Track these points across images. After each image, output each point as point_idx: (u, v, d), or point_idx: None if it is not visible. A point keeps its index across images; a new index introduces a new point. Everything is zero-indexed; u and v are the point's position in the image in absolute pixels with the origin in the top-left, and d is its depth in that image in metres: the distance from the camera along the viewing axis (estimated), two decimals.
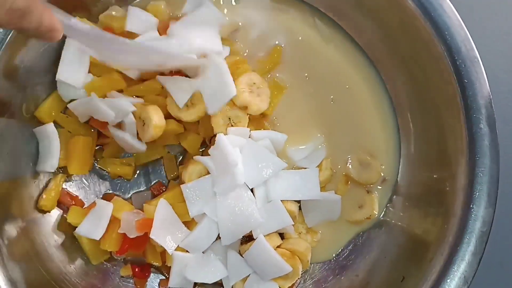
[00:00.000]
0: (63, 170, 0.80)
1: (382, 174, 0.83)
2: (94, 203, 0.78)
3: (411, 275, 0.72)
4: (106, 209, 0.76)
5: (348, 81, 0.83)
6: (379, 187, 0.83)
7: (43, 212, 0.79)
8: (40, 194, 0.79)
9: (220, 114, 0.76)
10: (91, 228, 0.75)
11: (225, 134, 0.75)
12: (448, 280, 0.66)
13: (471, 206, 0.66)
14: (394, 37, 0.76)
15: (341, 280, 0.83)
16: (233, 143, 0.74)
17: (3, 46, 0.68)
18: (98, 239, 0.75)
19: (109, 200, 0.77)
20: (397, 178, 0.83)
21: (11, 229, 0.71)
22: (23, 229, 0.74)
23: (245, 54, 0.83)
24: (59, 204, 0.80)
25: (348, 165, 0.83)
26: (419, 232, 0.76)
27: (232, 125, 0.76)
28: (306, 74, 0.84)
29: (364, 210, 0.82)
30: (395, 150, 0.83)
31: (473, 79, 0.66)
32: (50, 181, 0.80)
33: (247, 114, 0.78)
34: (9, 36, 0.68)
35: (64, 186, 0.81)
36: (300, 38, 0.84)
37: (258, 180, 0.75)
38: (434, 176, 0.75)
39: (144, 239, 0.75)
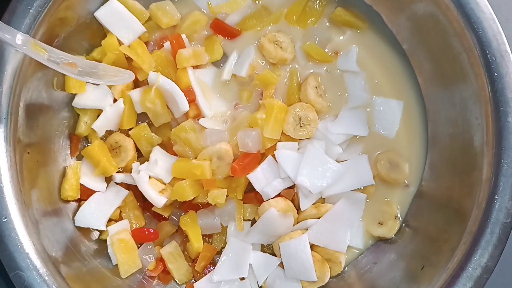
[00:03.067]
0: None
1: (408, 172, 0.83)
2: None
3: (431, 264, 0.73)
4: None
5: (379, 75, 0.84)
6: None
7: (68, 201, 0.79)
8: (60, 185, 0.79)
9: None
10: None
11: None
12: (470, 269, 0.66)
13: (495, 197, 0.67)
14: (425, 28, 0.76)
15: (358, 266, 0.84)
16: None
17: (40, 18, 0.69)
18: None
19: None
20: (422, 174, 0.84)
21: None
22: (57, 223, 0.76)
23: None
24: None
25: (378, 163, 0.82)
26: (441, 223, 0.76)
27: (301, 126, 0.79)
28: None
29: (382, 229, 0.82)
30: (422, 150, 0.84)
31: (503, 72, 0.67)
32: (67, 170, 0.79)
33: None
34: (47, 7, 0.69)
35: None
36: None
37: (318, 186, 0.77)
38: (458, 168, 0.76)
39: None
